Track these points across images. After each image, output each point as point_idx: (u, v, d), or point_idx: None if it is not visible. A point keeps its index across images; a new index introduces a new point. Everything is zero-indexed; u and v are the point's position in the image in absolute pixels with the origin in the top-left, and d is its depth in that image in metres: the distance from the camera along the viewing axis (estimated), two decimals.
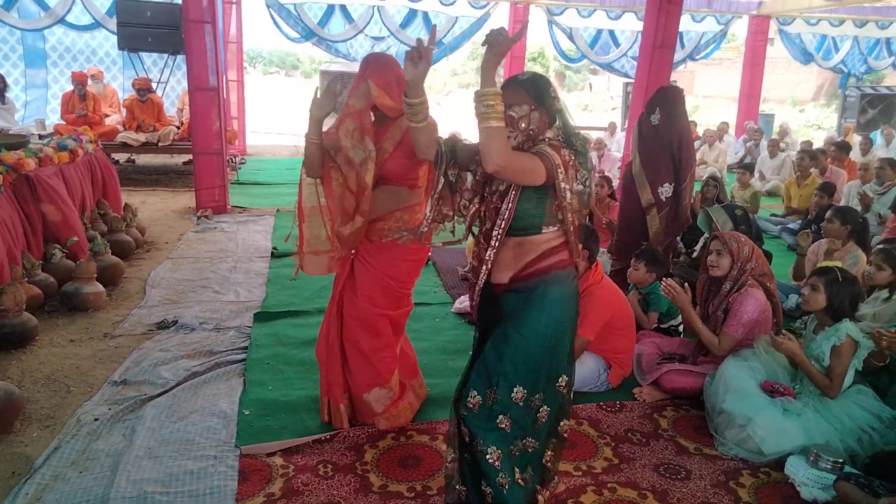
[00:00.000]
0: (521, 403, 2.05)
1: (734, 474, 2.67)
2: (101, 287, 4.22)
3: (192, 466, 2.56)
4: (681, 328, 3.92)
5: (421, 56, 1.95)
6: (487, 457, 2.03)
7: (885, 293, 3.58)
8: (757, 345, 3.16)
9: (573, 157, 1.96)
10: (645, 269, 3.82)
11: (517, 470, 2.10)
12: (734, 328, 3.15)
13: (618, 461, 2.73)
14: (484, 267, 2.07)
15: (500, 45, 1.77)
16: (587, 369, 3.24)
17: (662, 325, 3.91)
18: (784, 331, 2.95)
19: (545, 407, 2.11)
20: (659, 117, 4.15)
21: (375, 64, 2.60)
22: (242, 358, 3.53)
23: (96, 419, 2.88)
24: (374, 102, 2.54)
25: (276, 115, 17.70)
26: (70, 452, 2.64)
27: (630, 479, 2.60)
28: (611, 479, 2.59)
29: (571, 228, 2.01)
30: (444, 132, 2.54)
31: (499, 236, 2.00)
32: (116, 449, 2.67)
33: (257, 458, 2.65)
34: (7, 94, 8.68)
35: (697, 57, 13.39)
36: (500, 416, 2.04)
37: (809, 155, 7.18)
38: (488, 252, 2.04)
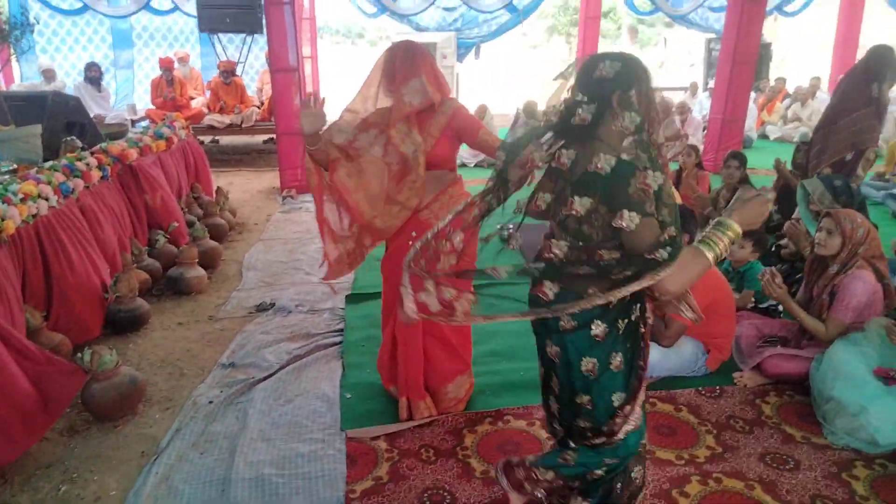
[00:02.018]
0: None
1: (847, 465, 2.58)
2: (202, 271, 4.45)
3: (303, 449, 2.70)
4: (780, 307, 3.77)
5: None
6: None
7: None
8: (868, 327, 3.01)
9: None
10: (751, 249, 3.69)
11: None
12: (843, 313, 3.01)
13: (721, 450, 2.68)
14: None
15: None
16: (686, 353, 3.18)
17: (761, 305, 3.78)
18: None
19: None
20: (879, 88, 3.69)
21: (422, 56, 2.58)
22: (339, 341, 3.66)
23: (210, 402, 3.06)
24: (431, 99, 2.54)
25: (347, 85, 17.90)
26: (190, 434, 2.83)
27: (735, 469, 2.56)
28: (715, 469, 2.56)
29: None
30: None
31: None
32: (231, 431, 2.84)
33: (362, 442, 2.75)
34: (101, 83, 9.13)
35: (790, 10, 12.53)
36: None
37: None
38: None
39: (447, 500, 2.41)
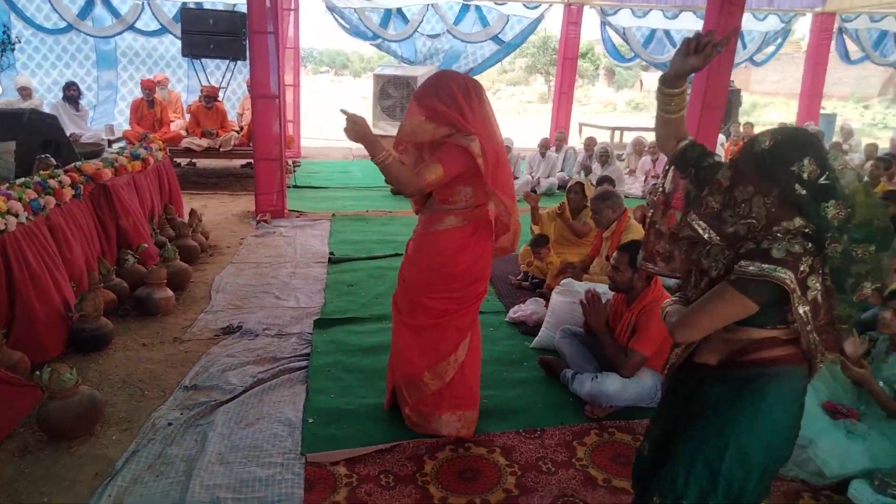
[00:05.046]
0: None
1: (794, 497, 2.65)
2: (170, 292, 4.43)
3: (261, 473, 2.69)
4: None
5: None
6: None
7: None
8: None
9: (820, 266, 1.57)
10: None
11: None
12: None
13: None
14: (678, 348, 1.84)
15: None
16: (645, 384, 3.24)
17: None
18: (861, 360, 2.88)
19: None
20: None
21: (425, 91, 2.69)
22: (304, 365, 3.66)
23: (170, 423, 3.04)
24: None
25: (328, 116, 18.03)
26: (147, 456, 2.80)
27: None
28: None
29: (810, 337, 1.62)
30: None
31: None
32: (190, 454, 2.82)
33: (322, 467, 2.75)
34: (80, 101, 9.12)
35: (759, 59, 13.04)
36: None
37: (885, 164, 6.91)
38: None
39: None
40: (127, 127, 9.04)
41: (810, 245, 1.55)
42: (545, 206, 5.79)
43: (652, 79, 28.35)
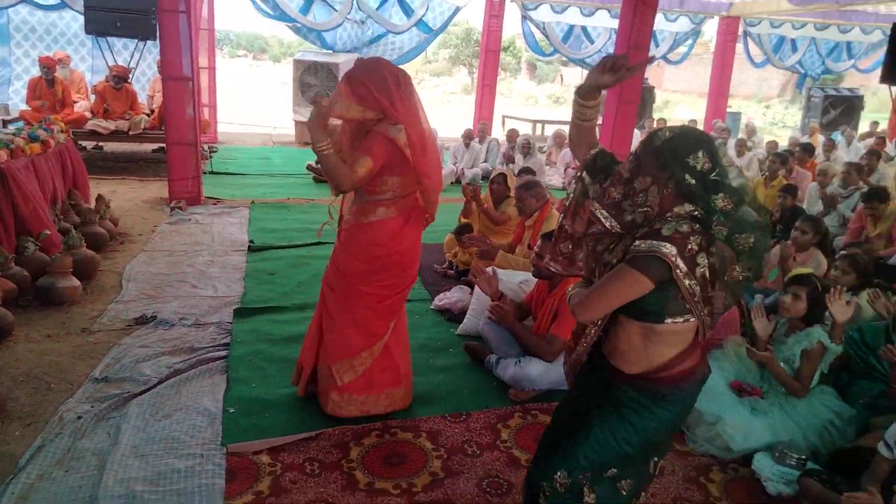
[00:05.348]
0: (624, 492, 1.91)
1: (704, 470, 2.81)
2: (76, 281, 4.18)
3: (180, 465, 2.59)
4: None
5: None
6: None
7: (847, 296, 3.74)
8: (726, 345, 3.30)
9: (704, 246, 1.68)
10: None
11: None
12: None
13: None
14: (585, 339, 1.92)
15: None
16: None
17: None
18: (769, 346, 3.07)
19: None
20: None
21: (357, 75, 2.69)
22: (224, 355, 3.55)
23: (79, 417, 2.88)
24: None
25: (246, 101, 17.49)
26: (55, 451, 2.64)
27: None
28: None
29: (698, 307, 1.72)
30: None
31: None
32: (102, 448, 2.68)
33: (244, 457, 2.68)
34: None
35: (674, 59, 13.66)
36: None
37: (781, 159, 7.38)
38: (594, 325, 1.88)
39: None
40: (24, 107, 8.43)
41: (698, 226, 1.68)
42: None
43: (572, 74, 29.11)
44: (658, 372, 1.80)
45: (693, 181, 1.65)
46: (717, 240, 1.68)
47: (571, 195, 1.95)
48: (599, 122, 11.85)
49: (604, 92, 1.98)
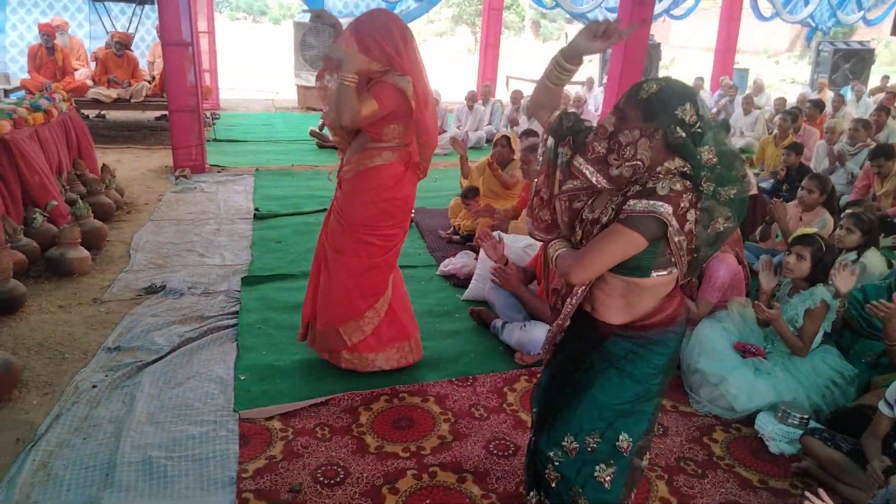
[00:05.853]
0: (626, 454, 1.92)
1: (708, 430, 2.85)
2: (85, 252, 4.22)
3: (194, 431, 2.66)
4: None
5: None
6: None
7: (853, 255, 3.75)
8: (731, 306, 3.32)
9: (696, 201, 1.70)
10: None
11: None
12: (710, 293, 3.30)
13: None
14: (573, 298, 1.90)
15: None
16: None
17: None
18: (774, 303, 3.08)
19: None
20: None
21: (362, 24, 2.73)
22: (234, 323, 3.60)
23: (94, 386, 2.94)
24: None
25: (247, 66, 17.27)
26: (72, 419, 2.71)
27: None
28: None
29: (682, 260, 1.75)
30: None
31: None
32: (117, 415, 2.75)
33: (256, 423, 2.75)
34: None
35: (678, 13, 13.34)
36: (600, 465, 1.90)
37: (792, 116, 7.27)
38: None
39: (341, 475, 2.46)
40: (24, 75, 8.37)
41: (689, 183, 1.69)
42: (474, 159, 5.82)
43: (576, 31, 28.45)
44: (645, 319, 1.83)
45: (683, 133, 1.66)
46: (704, 195, 1.70)
47: (542, 161, 1.94)
48: (588, 84, 11.64)
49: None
